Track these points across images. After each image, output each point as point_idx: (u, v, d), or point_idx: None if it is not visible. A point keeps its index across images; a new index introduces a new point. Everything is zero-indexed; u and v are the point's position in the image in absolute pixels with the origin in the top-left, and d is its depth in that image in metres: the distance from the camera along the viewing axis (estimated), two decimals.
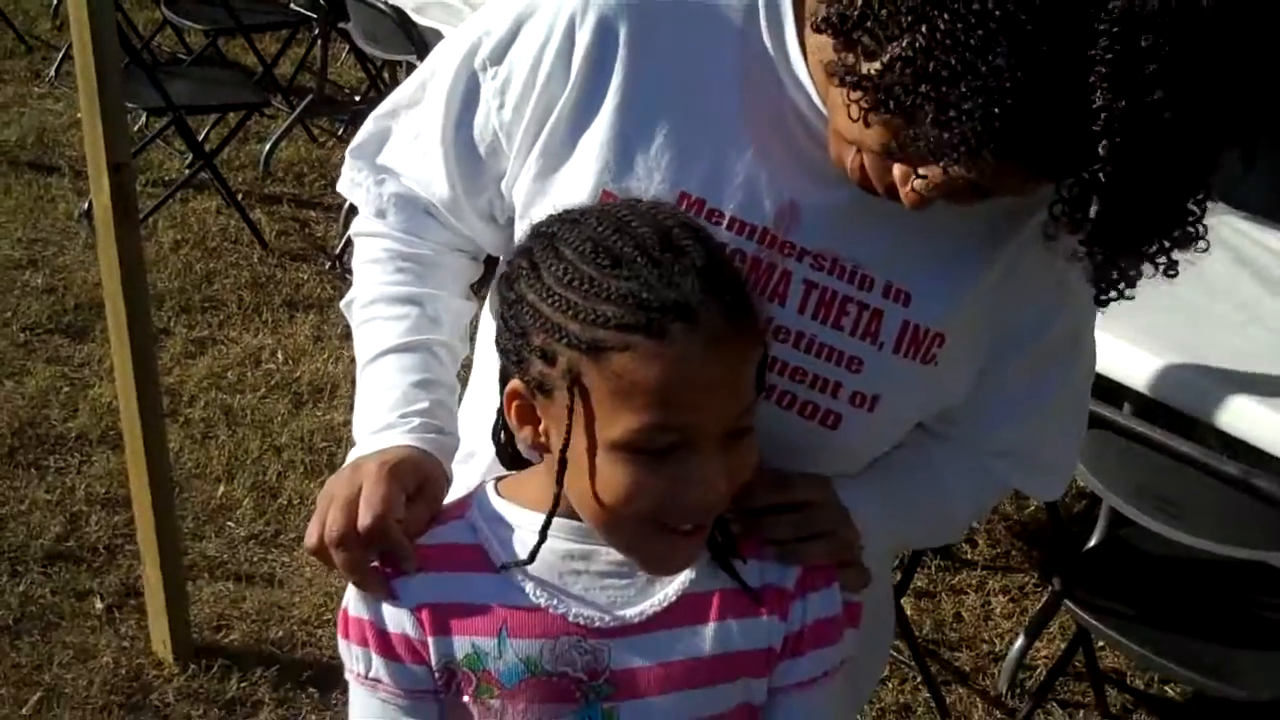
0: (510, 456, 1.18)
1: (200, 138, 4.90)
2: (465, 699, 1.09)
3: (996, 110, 0.87)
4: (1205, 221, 0.95)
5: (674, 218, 1.05)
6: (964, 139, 0.89)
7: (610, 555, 1.09)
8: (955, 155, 0.91)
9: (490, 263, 1.34)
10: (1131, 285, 0.98)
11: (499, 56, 1.19)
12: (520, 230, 1.18)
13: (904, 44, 0.90)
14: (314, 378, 3.82)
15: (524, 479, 1.15)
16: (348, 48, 6.03)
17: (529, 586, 1.09)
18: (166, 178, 5.06)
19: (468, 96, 1.22)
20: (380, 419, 1.19)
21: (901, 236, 1.13)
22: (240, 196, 4.81)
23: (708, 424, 1.00)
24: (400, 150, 1.29)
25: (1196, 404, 2.22)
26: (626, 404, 0.99)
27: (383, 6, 4.17)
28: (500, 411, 1.13)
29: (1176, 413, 2.27)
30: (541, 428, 1.06)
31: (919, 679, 2.77)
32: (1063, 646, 2.75)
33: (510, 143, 1.20)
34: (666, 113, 1.14)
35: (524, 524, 1.11)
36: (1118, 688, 2.89)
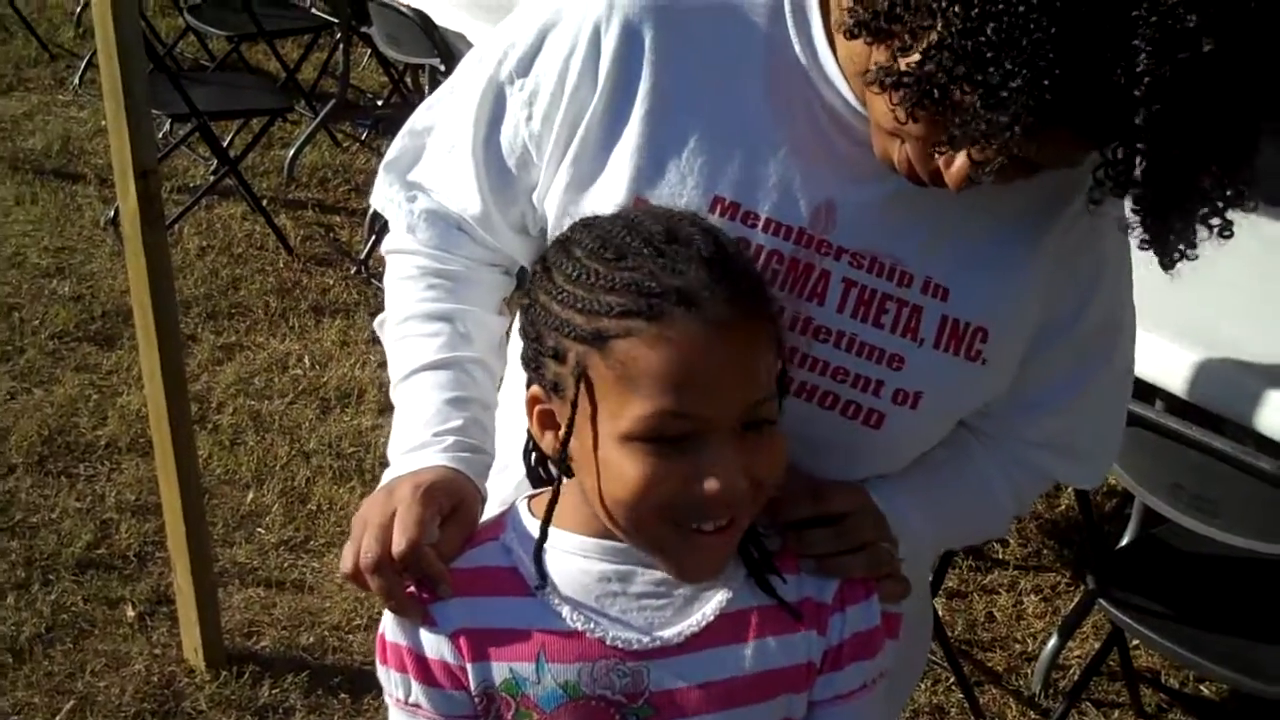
0: (541, 477, 1.17)
1: (225, 144, 4.92)
2: None
3: (1046, 82, 0.86)
4: (1243, 217, 0.94)
5: (688, 218, 1.04)
6: (1015, 117, 0.88)
7: (647, 576, 1.08)
8: (1009, 134, 0.89)
9: (523, 276, 1.34)
10: (1192, 246, 0.97)
11: (525, 68, 1.18)
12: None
13: (940, 28, 0.90)
14: (341, 382, 3.82)
15: None
16: (370, 52, 6.06)
17: (565, 610, 1.08)
18: (191, 184, 5.09)
19: (495, 110, 1.21)
20: (414, 438, 1.19)
21: (938, 232, 1.13)
22: (265, 202, 4.83)
23: (719, 412, 0.99)
24: (431, 166, 1.29)
25: (1231, 404, 2.20)
26: (633, 392, 0.98)
27: (405, 10, 4.18)
28: (529, 432, 1.12)
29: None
30: (560, 432, 1.05)
31: (952, 680, 2.75)
32: (1096, 646, 2.73)
33: (540, 154, 1.20)
34: (697, 116, 1.13)
35: (557, 544, 1.10)
36: (1153, 687, 2.87)
